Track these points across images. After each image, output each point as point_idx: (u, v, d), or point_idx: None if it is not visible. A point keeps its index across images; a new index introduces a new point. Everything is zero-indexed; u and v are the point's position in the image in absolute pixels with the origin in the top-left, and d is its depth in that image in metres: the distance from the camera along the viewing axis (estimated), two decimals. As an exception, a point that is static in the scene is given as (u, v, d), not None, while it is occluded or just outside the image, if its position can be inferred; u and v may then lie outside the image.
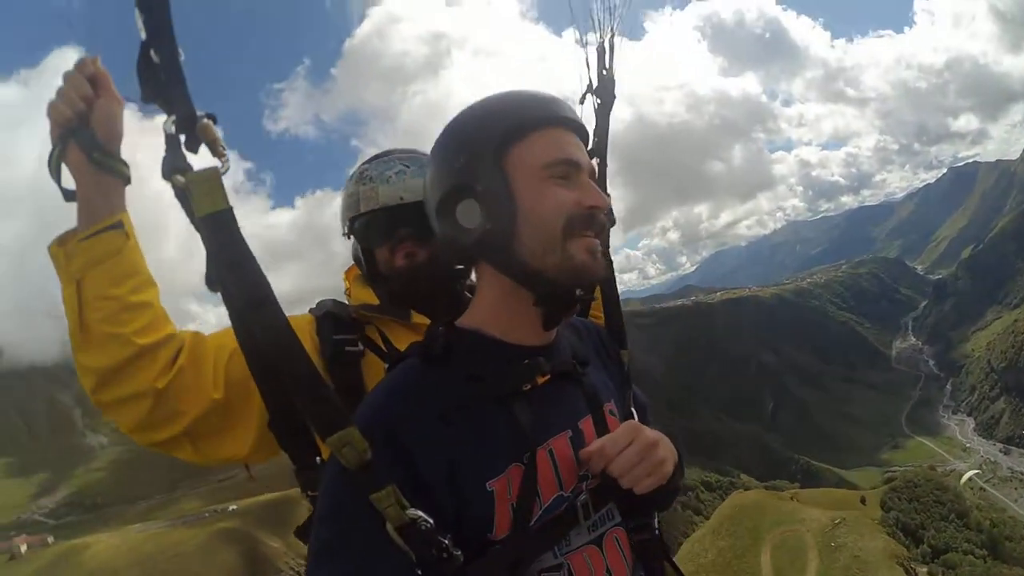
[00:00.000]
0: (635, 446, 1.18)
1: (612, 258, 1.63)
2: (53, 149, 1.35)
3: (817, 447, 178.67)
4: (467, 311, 1.32)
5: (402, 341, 1.60)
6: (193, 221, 1.05)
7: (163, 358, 1.42)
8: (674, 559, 1.50)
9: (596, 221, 1.21)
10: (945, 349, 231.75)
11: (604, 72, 1.90)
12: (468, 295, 1.72)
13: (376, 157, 1.85)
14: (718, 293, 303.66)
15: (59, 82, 1.35)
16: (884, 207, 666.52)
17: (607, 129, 1.92)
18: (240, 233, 1.03)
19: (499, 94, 1.27)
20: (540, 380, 1.24)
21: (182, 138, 1.06)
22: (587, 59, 1.89)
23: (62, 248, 1.36)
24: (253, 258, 1.03)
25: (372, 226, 1.80)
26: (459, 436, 1.12)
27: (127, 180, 1.40)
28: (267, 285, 1.03)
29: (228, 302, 1.09)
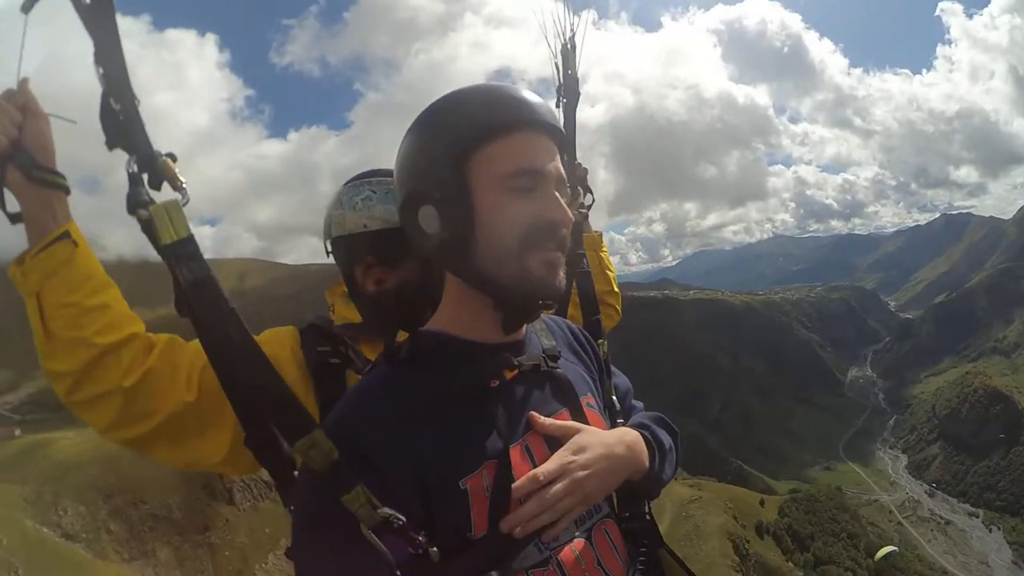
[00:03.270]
0: (561, 484, 1.13)
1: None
2: None
3: (753, 455, 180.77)
4: (434, 314, 1.32)
5: None
6: (158, 250, 1.10)
7: (127, 357, 1.44)
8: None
9: (556, 235, 1.18)
10: (897, 386, 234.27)
11: (569, 72, 1.92)
12: None
13: (356, 178, 1.84)
14: (692, 291, 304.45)
15: None
16: (871, 239, 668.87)
17: (573, 127, 1.99)
18: (203, 258, 1.10)
19: (471, 90, 1.22)
20: (509, 375, 1.23)
21: (145, 176, 1.13)
22: (555, 62, 1.92)
23: (19, 267, 1.39)
24: (216, 280, 1.09)
25: (341, 252, 1.82)
26: (425, 437, 1.10)
27: (67, 191, 1.44)
28: (230, 303, 1.09)
29: (195, 323, 1.14)
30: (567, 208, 1.20)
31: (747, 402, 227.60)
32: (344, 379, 1.69)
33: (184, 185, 1.15)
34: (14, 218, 1.41)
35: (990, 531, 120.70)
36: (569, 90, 1.95)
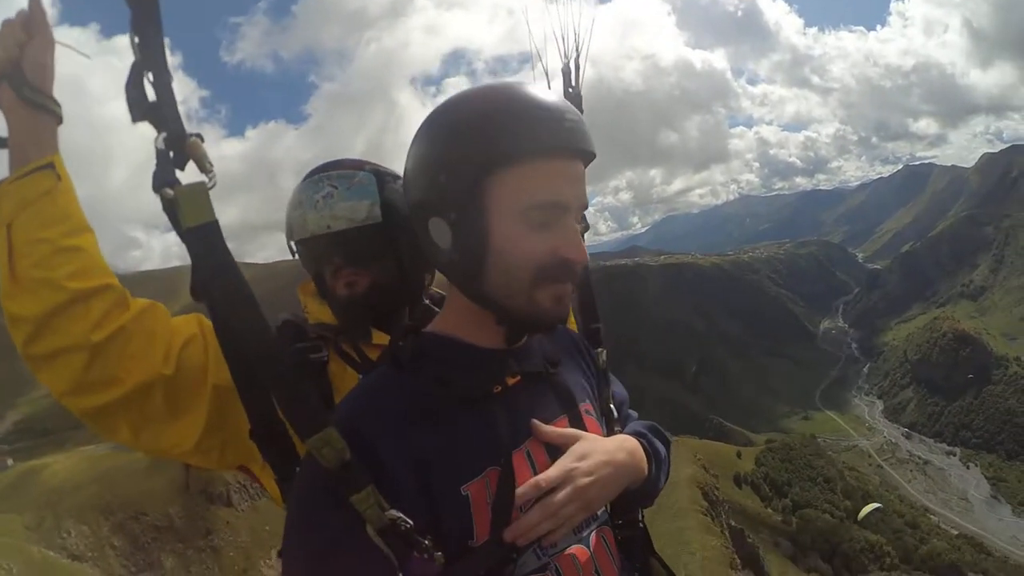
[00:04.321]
0: (565, 492, 1.12)
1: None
2: None
3: (733, 411, 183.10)
4: (438, 317, 1.31)
5: (370, 355, 1.62)
6: (179, 232, 1.06)
7: (98, 308, 1.32)
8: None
9: (569, 271, 1.15)
10: (869, 335, 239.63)
11: (571, 90, 1.85)
12: (427, 303, 1.76)
13: (315, 171, 1.72)
14: (663, 257, 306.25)
15: None
16: (836, 193, 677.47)
17: None
18: (224, 243, 1.06)
19: (498, 97, 1.12)
20: (511, 381, 1.23)
21: (171, 154, 1.08)
22: (548, 82, 1.82)
23: None
24: (237, 266, 1.06)
25: (306, 255, 1.73)
26: (428, 439, 1.09)
27: (59, 119, 1.36)
28: (250, 291, 1.06)
29: (212, 308, 1.12)
30: (582, 243, 1.19)
31: (723, 361, 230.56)
32: (327, 377, 1.60)
33: (212, 168, 1.11)
34: (0, 141, 1.33)
35: (967, 468, 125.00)
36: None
